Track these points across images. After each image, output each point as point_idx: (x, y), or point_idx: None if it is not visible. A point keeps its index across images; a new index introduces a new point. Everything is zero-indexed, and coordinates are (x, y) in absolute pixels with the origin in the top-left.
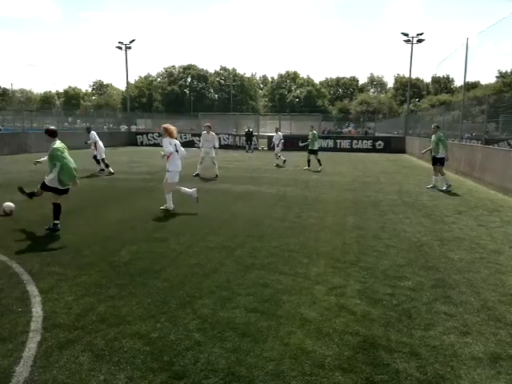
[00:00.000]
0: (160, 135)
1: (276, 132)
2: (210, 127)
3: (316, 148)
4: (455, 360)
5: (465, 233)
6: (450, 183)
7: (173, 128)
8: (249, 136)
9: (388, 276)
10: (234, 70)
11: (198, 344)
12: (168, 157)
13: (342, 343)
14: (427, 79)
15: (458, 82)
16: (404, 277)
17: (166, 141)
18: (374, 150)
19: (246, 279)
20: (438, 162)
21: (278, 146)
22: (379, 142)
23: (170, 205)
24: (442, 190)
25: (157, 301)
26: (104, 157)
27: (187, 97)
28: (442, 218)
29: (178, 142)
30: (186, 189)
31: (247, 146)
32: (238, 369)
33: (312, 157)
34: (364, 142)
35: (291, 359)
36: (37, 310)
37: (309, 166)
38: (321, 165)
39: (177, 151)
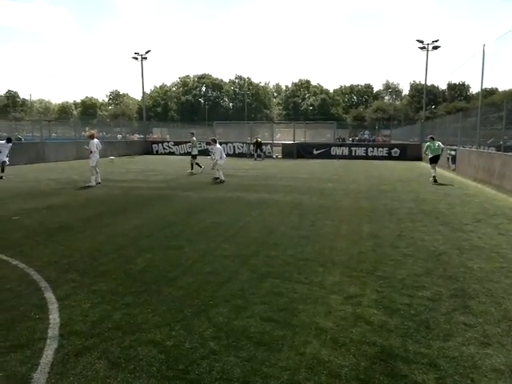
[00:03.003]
0: (175, 144)
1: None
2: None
3: (195, 153)
4: (475, 372)
5: (484, 241)
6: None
7: (93, 132)
8: (258, 145)
9: (405, 285)
10: (248, 78)
11: (213, 353)
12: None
13: (359, 353)
14: (443, 86)
15: (475, 89)
16: (422, 286)
17: (91, 141)
18: (389, 157)
19: (261, 288)
20: (435, 160)
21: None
22: (395, 149)
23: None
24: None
25: (172, 309)
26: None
27: (202, 106)
28: (461, 227)
29: (94, 143)
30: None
31: (255, 155)
32: (253, 378)
33: (195, 160)
34: (379, 149)
35: (307, 369)
36: (54, 317)
37: (192, 169)
38: (192, 169)
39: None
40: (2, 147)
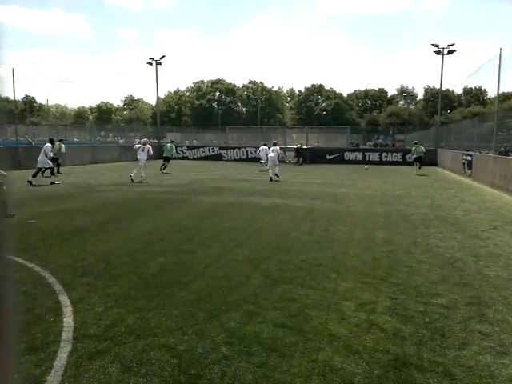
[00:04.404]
0: (188, 149)
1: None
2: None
3: (169, 156)
4: (492, 382)
5: (501, 249)
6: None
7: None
8: (298, 151)
9: (420, 293)
10: (261, 83)
11: (225, 358)
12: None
13: (372, 361)
14: (458, 90)
15: (492, 93)
16: (437, 294)
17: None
18: (404, 162)
19: (273, 293)
20: (419, 160)
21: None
22: (409, 154)
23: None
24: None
25: (184, 313)
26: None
27: (215, 110)
28: (477, 233)
29: (145, 147)
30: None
31: (299, 160)
32: None
33: (166, 162)
34: (394, 154)
35: (319, 376)
36: (68, 320)
37: (163, 170)
38: (165, 169)
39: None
40: (48, 150)
